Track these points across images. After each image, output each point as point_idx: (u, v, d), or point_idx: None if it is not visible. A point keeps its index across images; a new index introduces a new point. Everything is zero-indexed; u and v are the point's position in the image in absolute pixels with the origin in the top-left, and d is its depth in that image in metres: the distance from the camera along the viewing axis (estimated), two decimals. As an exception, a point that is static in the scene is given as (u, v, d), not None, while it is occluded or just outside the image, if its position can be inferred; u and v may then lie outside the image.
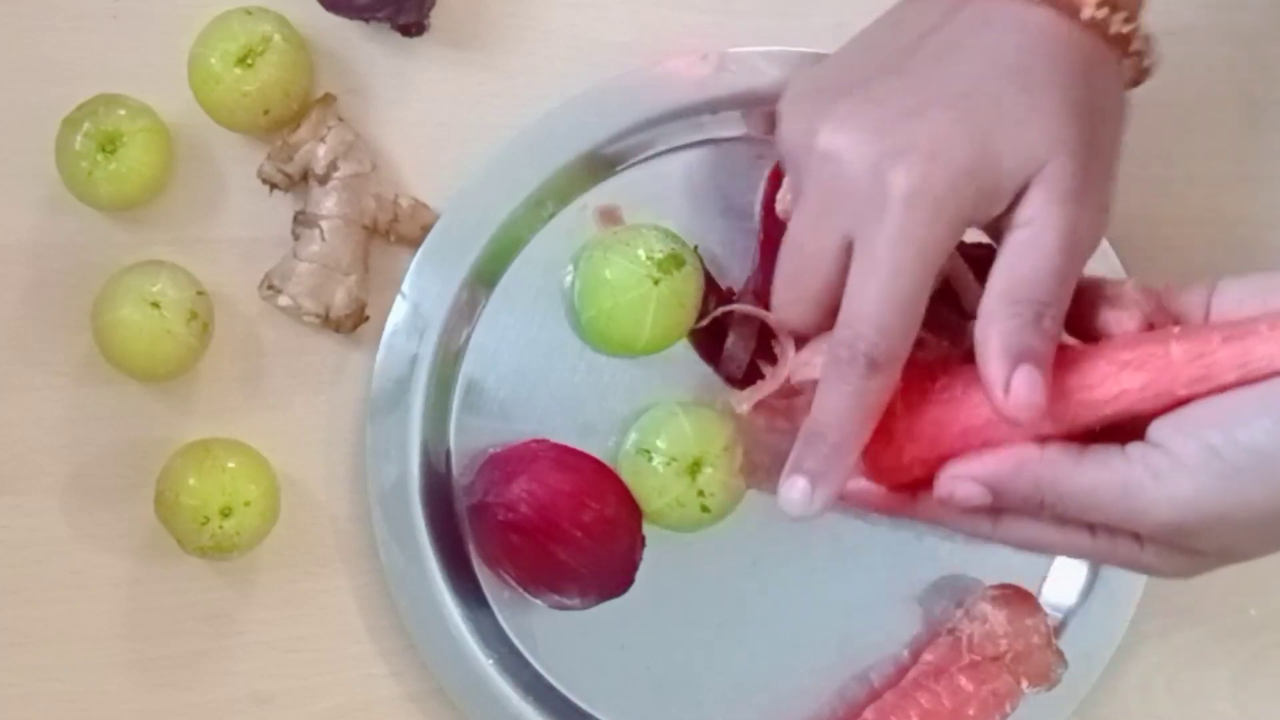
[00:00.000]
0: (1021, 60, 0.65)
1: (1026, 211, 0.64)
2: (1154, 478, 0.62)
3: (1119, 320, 0.65)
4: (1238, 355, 0.62)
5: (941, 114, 0.63)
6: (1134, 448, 0.63)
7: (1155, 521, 0.62)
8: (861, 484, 0.68)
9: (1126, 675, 0.85)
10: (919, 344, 0.66)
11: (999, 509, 0.65)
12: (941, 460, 0.65)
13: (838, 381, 0.64)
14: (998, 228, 0.65)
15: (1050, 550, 0.67)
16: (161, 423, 0.80)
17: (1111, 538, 0.65)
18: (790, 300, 0.67)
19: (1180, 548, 0.64)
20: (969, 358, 0.67)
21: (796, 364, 0.69)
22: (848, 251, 0.64)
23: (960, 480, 0.65)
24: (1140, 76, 0.69)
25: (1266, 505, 0.61)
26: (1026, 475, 0.64)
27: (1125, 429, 0.64)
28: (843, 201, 0.64)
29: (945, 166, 0.63)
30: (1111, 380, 0.63)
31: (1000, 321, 0.63)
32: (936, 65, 0.65)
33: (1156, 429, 0.63)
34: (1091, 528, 0.65)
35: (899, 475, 0.66)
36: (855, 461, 0.65)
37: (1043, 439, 0.64)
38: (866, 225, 0.63)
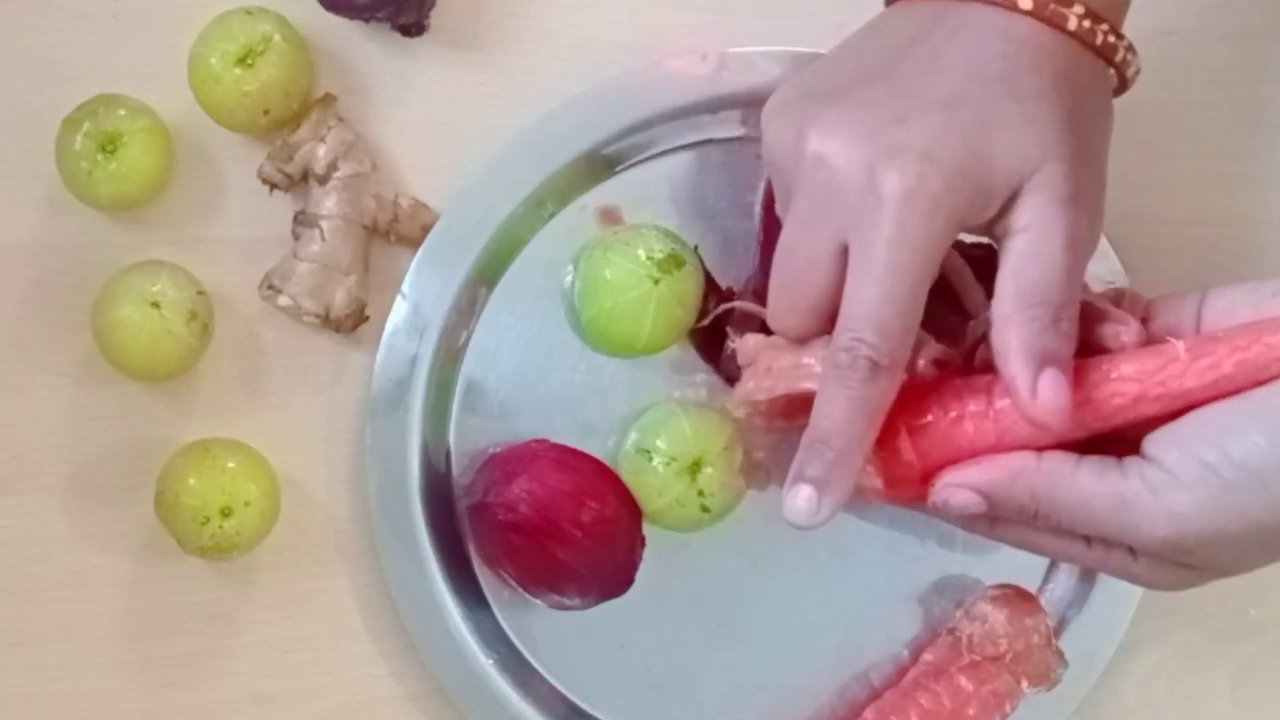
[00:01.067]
0: (1007, 68, 0.65)
1: (1024, 217, 0.64)
2: (1150, 492, 0.62)
3: (1115, 334, 0.65)
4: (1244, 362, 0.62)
5: (932, 117, 0.63)
6: (1130, 462, 0.63)
7: (1151, 536, 0.62)
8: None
9: (1126, 675, 0.85)
10: (917, 346, 0.66)
11: (994, 517, 0.65)
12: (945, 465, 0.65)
13: (839, 386, 0.63)
14: (990, 234, 0.65)
15: (1045, 554, 0.67)
16: (161, 423, 0.80)
17: (1106, 548, 0.65)
18: (785, 309, 0.67)
19: (1174, 562, 0.64)
20: (968, 360, 0.67)
21: (794, 369, 0.68)
22: (842, 256, 0.64)
23: (955, 488, 0.65)
24: (1124, 86, 0.69)
25: (1260, 520, 0.61)
26: (1022, 485, 0.64)
27: (1117, 441, 0.64)
28: (835, 205, 0.64)
29: (939, 167, 0.63)
30: (1128, 386, 0.63)
31: (1018, 326, 0.63)
32: (922, 73, 0.65)
33: (1151, 443, 0.63)
34: (1087, 537, 0.65)
35: (903, 478, 0.66)
36: (861, 467, 0.65)
37: (1040, 449, 0.64)
38: (861, 227, 0.63)
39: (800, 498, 0.64)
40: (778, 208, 0.69)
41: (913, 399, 0.66)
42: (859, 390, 0.63)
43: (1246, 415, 0.61)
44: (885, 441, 0.65)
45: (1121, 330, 0.65)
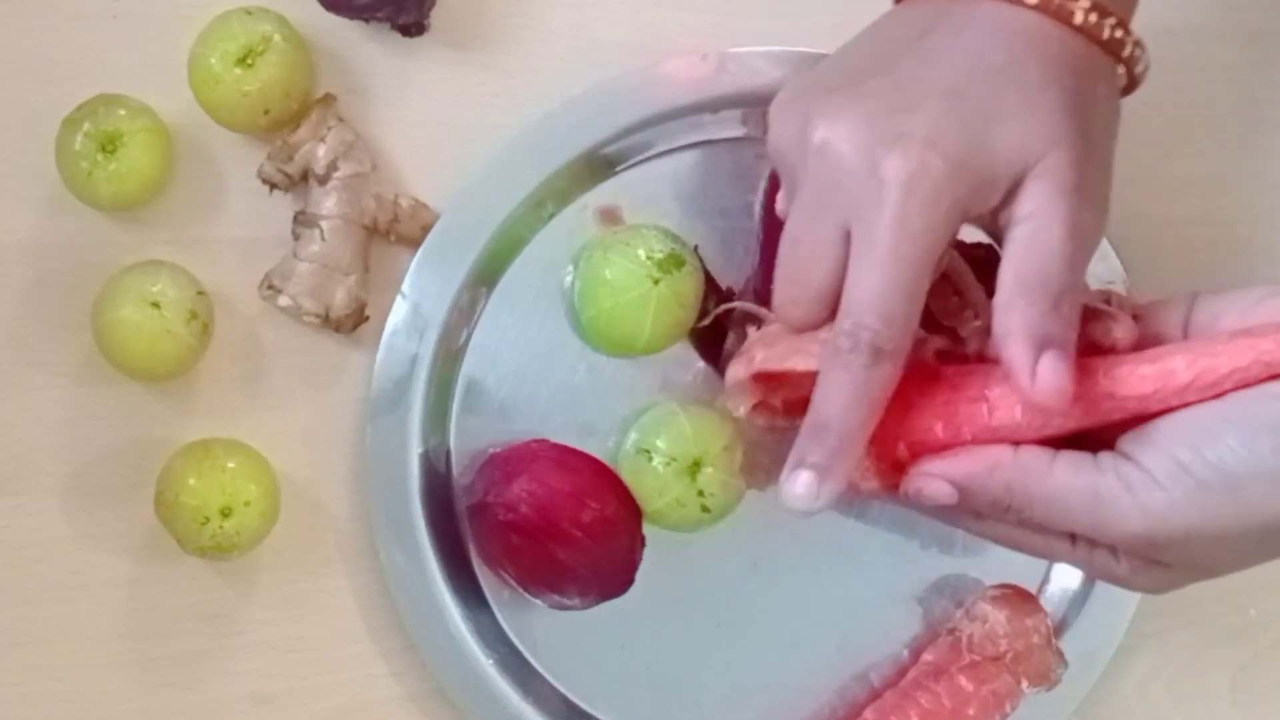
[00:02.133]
0: (1012, 60, 0.65)
1: (1027, 205, 0.64)
2: (1126, 489, 0.62)
3: (1107, 331, 0.65)
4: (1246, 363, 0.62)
5: (935, 106, 0.63)
6: (1105, 458, 0.63)
7: (1126, 531, 0.63)
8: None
9: (1126, 675, 0.85)
10: (919, 341, 0.66)
11: (976, 512, 0.66)
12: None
13: (840, 372, 0.63)
14: (994, 225, 0.65)
15: (1031, 553, 0.67)
16: (161, 423, 0.80)
17: (1090, 547, 0.65)
18: (790, 298, 0.67)
19: (1151, 560, 0.64)
20: (972, 358, 0.67)
21: (791, 351, 0.68)
22: (846, 244, 0.64)
23: (930, 478, 0.65)
24: (1133, 83, 0.69)
25: (1233, 522, 0.62)
26: (998, 478, 0.64)
27: (1093, 439, 0.64)
28: (839, 192, 0.64)
29: (942, 153, 0.63)
30: (1140, 380, 0.63)
31: (1020, 310, 0.63)
32: (925, 65, 0.65)
33: (1127, 441, 0.63)
34: (1072, 536, 0.65)
35: (895, 474, 0.66)
36: (861, 454, 0.65)
37: (1016, 443, 0.64)
38: (865, 213, 0.63)
39: (799, 484, 0.64)
40: (782, 202, 0.69)
41: (910, 394, 0.66)
42: (861, 375, 0.63)
43: (1223, 419, 0.62)
44: (880, 437, 0.65)
45: (1114, 326, 0.65)
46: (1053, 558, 0.67)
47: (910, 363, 0.65)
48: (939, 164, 0.63)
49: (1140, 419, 0.63)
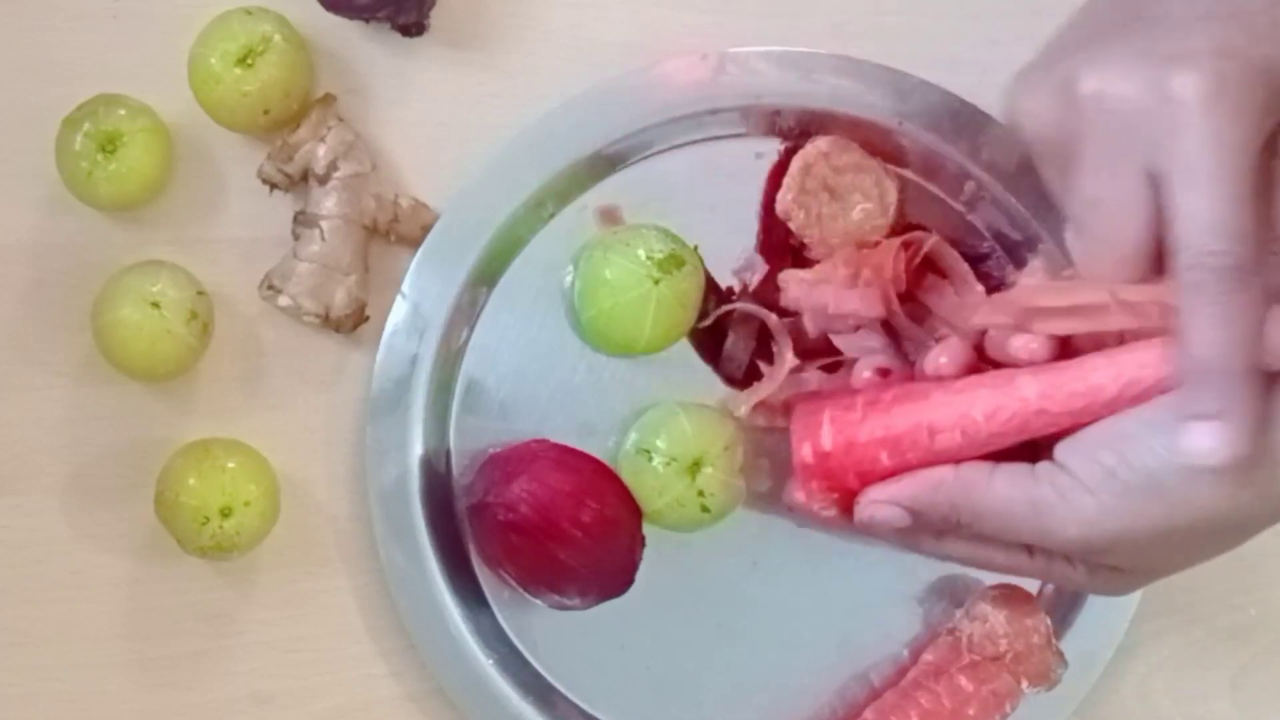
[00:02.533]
0: None
1: None
2: (1059, 496, 0.63)
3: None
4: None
5: (1212, 26, 0.60)
6: (1042, 468, 0.64)
7: (1065, 538, 0.63)
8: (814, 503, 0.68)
9: (1126, 675, 0.85)
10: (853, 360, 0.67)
11: (929, 529, 0.66)
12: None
13: (1208, 306, 0.59)
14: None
15: (996, 569, 0.68)
16: (161, 423, 0.80)
17: (1047, 557, 0.66)
18: (1113, 261, 0.63)
19: (1098, 565, 0.65)
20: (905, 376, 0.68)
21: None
22: (1154, 187, 0.61)
23: (879, 505, 0.66)
24: None
25: (1164, 522, 0.62)
26: (943, 496, 0.65)
27: (1041, 448, 0.65)
28: (1131, 135, 0.61)
29: (1235, 61, 0.59)
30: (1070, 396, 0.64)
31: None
32: (1177, 6, 0.62)
33: (1060, 449, 0.64)
34: (1029, 548, 0.65)
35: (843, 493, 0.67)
36: (1254, 387, 0.60)
37: (957, 461, 0.65)
38: (1168, 145, 0.60)
39: (1204, 436, 0.59)
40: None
41: (852, 425, 0.67)
42: (1228, 301, 0.59)
43: (1145, 423, 0.62)
44: (827, 470, 0.66)
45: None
46: (1019, 572, 0.68)
47: (843, 388, 0.66)
48: (1234, 69, 0.59)
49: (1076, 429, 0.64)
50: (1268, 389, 0.60)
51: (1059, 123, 0.63)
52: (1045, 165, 0.66)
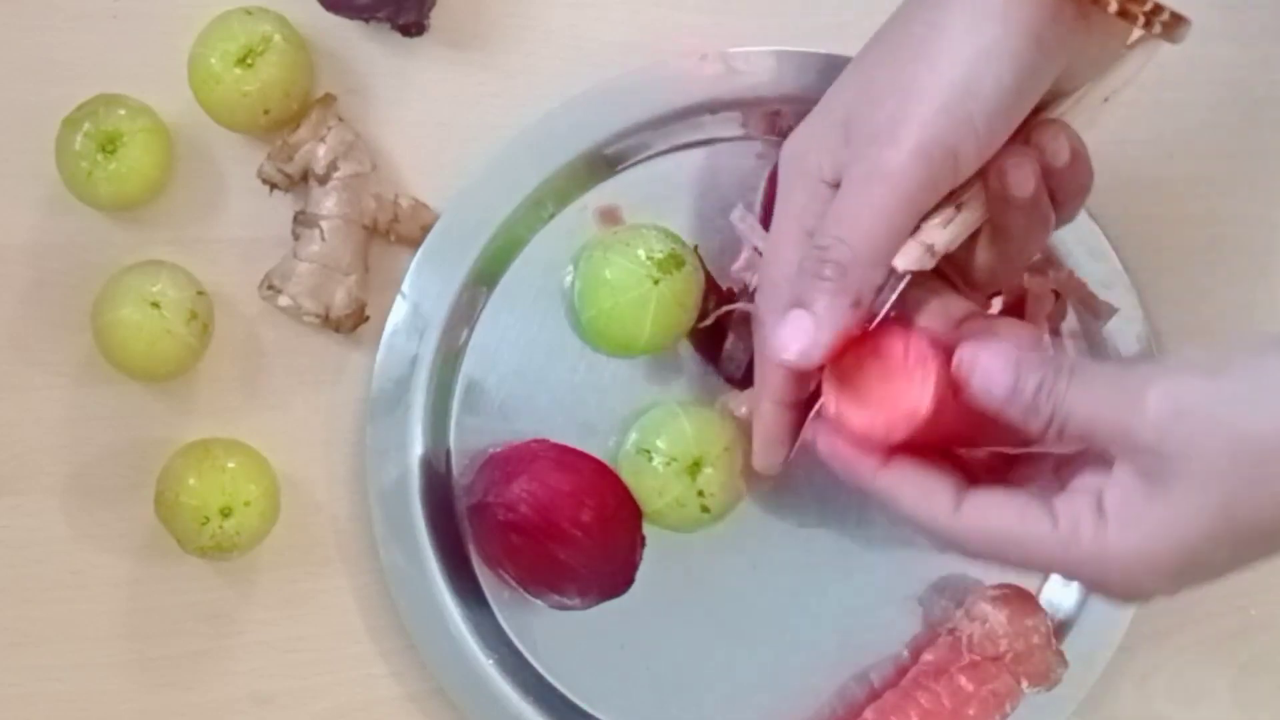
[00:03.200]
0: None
1: None
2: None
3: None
4: None
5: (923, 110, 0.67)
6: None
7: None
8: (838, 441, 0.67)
9: (1126, 675, 0.85)
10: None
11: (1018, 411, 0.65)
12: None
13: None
14: None
15: (1005, 542, 0.65)
16: (161, 423, 0.80)
17: (1072, 509, 0.64)
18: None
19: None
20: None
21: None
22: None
23: (987, 356, 0.64)
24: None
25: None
26: (1036, 361, 0.64)
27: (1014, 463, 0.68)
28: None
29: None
30: None
31: None
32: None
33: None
34: (1054, 517, 0.64)
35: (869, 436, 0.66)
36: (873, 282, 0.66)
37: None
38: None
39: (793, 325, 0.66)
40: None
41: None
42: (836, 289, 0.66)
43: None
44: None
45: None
46: (1036, 556, 0.66)
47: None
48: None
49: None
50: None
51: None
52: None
